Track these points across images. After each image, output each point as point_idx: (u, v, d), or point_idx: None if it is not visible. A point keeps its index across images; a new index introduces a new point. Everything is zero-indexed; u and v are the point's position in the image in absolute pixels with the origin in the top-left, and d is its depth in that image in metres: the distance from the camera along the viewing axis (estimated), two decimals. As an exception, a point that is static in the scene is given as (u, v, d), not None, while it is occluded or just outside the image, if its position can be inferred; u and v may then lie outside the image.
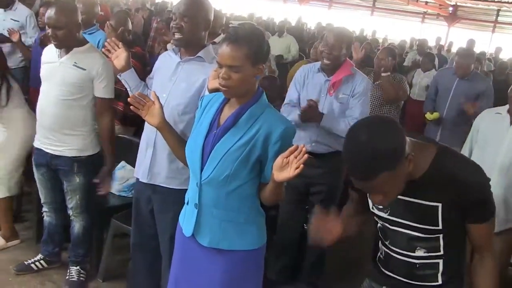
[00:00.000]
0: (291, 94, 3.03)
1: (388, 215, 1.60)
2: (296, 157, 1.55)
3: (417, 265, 1.62)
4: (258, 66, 1.73)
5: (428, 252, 1.59)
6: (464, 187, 1.45)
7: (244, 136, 1.74)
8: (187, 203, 1.90)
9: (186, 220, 1.89)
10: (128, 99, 1.96)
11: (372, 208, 1.65)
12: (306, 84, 2.98)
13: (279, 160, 1.58)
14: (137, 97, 1.97)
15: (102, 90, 2.70)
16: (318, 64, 2.98)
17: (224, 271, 1.82)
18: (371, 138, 1.33)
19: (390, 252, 1.67)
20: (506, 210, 2.68)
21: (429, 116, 4.53)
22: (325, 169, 2.93)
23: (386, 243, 1.67)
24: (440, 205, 1.49)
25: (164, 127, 1.99)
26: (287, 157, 1.57)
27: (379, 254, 1.74)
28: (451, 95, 4.44)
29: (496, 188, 2.69)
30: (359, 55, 4.31)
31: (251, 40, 1.70)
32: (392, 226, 1.61)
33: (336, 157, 2.93)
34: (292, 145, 1.60)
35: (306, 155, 1.54)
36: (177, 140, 2.00)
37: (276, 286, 3.19)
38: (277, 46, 7.87)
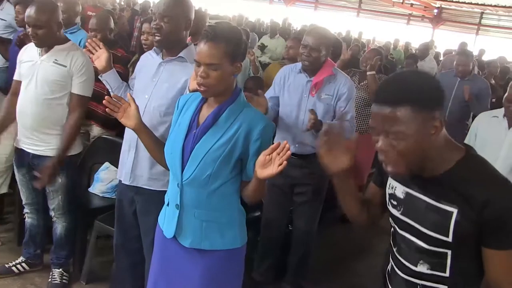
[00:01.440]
0: (268, 93, 3.04)
1: (400, 214, 1.49)
2: (279, 154, 1.55)
3: (418, 286, 1.48)
4: (236, 64, 1.74)
5: (431, 270, 1.44)
6: (487, 198, 1.28)
7: (224, 135, 1.74)
8: (167, 204, 1.89)
9: (167, 222, 1.88)
10: (104, 101, 1.94)
11: (388, 204, 1.56)
12: (288, 85, 2.98)
13: (261, 157, 1.58)
14: (113, 99, 1.95)
15: (78, 85, 2.64)
16: (299, 65, 2.98)
17: (205, 271, 1.82)
18: (412, 73, 1.38)
19: (395, 267, 1.56)
20: None
21: None
22: (309, 170, 2.93)
23: (394, 250, 1.56)
24: (455, 211, 1.33)
25: (141, 129, 1.97)
26: (269, 154, 1.57)
27: (388, 267, 1.64)
28: (453, 95, 4.68)
29: None
30: (346, 56, 4.36)
31: (229, 38, 1.70)
32: (401, 230, 1.51)
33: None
34: (272, 142, 1.61)
35: (289, 152, 1.54)
36: (154, 142, 1.99)
37: (261, 287, 3.19)
38: (268, 46, 7.83)
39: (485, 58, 11.16)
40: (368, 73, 4.07)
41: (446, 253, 1.40)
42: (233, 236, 1.84)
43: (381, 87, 1.35)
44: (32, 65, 2.65)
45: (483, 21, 19.07)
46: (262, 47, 7.64)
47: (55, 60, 2.60)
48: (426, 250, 1.43)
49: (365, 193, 1.70)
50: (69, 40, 2.74)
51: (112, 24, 3.74)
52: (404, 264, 1.51)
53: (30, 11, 2.52)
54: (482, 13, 18.74)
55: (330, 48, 2.93)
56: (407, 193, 1.46)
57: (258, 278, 3.20)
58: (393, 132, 1.28)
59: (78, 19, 3.89)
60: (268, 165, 1.58)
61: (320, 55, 2.84)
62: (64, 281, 2.92)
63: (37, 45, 2.61)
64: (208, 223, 1.81)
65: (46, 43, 2.60)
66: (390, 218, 1.58)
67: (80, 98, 2.66)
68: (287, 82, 2.98)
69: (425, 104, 1.27)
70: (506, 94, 2.78)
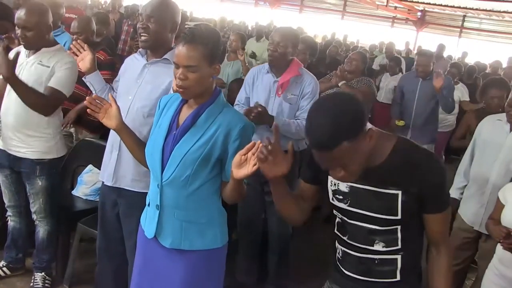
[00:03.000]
0: (240, 95, 3.08)
1: (348, 206, 1.60)
2: (254, 154, 1.55)
3: (376, 261, 1.62)
4: (215, 66, 1.75)
5: (386, 247, 1.60)
6: (420, 175, 1.49)
7: (203, 136, 1.76)
8: (148, 205, 1.90)
9: (148, 222, 1.89)
10: (85, 102, 1.93)
11: (332, 199, 1.64)
12: (256, 85, 3.01)
13: (237, 157, 1.59)
14: (94, 100, 1.94)
15: (54, 79, 2.58)
16: (267, 65, 3.01)
17: (185, 271, 1.83)
18: (332, 108, 1.38)
19: (348, 250, 1.67)
20: None
21: (398, 123, 4.77)
22: None
23: (345, 238, 1.67)
24: (399, 192, 1.51)
25: (122, 130, 1.97)
26: (245, 154, 1.57)
27: (337, 254, 1.75)
28: (416, 97, 4.63)
29: (494, 192, 2.77)
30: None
31: (207, 40, 1.72)
32: (351, 219, 1.61)
33: None
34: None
35: None
36: (136, 143, 1.99)
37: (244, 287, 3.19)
38: (253, 50, 7.74)
39: (468, 60, 11.34)
40: (339, 84, 4.07)
41: (397, 228, 1.58)
42: (213, 236, 1.85)
43: (310, 134, 1.40)
44: (18, 66, 2.63)
45: (466, 24, 19.31)
46: (253, 56, 7.55)
47: (40, 61, 2.60)
48: (379, 230, 1.58)
49: (296, 191, 1.79)
50: (58, 43, 2.74)
51: (94, 27, 3.72)
52: (360, 247, 1.63)
53: (20, 13, 2.53)
54: (464, 16, 18.98)
55: (297, 46, 2.97)
56: (351, 187, 1.58)
57: (242, 279, 3.20)
58: (341, 164, 1.42)
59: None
60: (244, 165, 1.58)
61: (286, 52, 2.88)
62: (46, 285, 2.90)
63: (26, 47, 2.62)
64: (188, 224, 1.82)
65: (35, 45, 2.61)
66: (334, 211, 1.67)
67: (53, 90, 2.56)
68: (256, 82, 3.02)
69: (356, 131, 1.37)
70: (507, 100, 2.83)
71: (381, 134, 1.53)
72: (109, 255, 2.47)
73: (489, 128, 2.93)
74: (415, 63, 4.94)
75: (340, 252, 1.71)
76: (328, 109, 1.39)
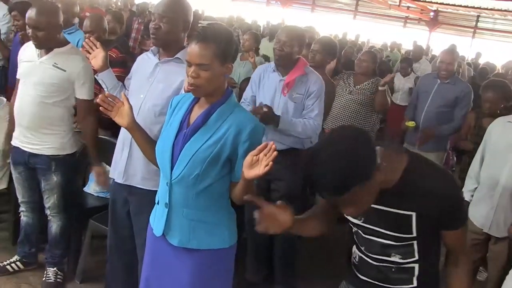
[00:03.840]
0: (246, 93, 3.08)
1: (363, 222, 1.60)
2: (265, 155, 1.56)
3: (393, 269, 1.62)
4: (227, 65, 1.76)
5: (403, 258, 1.60)
6: (435, 197, 1.46)
7: (213, 135, 1.76)
8: (158, 203, 1.92)
9: (157, 220, 1.90)
10: (97, 100, 1.95)
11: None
12: (263, 84, 3.01)
13: (248, 158, 1.59)
14: (106, 98, 1.96)
15: (84, 92, 2.69)
16: (273, 63, 3.01)
17: (193, 270, 1.84)
18: (339, 154, 1.30)
19: (365, 257, 1.67)
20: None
21: (408, 123, 4.47)
22: (281, 165, 2.78)
23: (362, 248, 1.67)
24: (414, 214, 1.49)
25: (134, 128, 1.98)
26: (256, 155, 1.58)
27: (352, 258, 1.74)
28: (430, 98, 4.37)
29: (504, 195, 2.75)
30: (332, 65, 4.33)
31: (219, 39, 1.72)
32: (366, 234, 1.62)
33: (291, 153, 2.93)
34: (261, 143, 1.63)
35: (275, 153, 1.56)
36: (147, 141, 2.00)
37: (253, 287, 3.20)
38: (266, 50, 7.70)
39: (481, 61, 11.25)
40: (380, 88, 3.94)
41: (413, 243, 1.57)
42: (221, 236, 1.86)
43: (318, 179, 1.33)
44: (31, 65, 2.67)
45: (479, 24, 19.13)
46: (266, 58, 7.48)
47: (55, 63, 2.62)
48: (394, 245, 1.58)
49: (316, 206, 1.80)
50: (69, 42, 2.76)
51: (105, 25, 3.75)
52: (377, 258, 1.63)
53: (31, 12, 2.55)
54: (478, 16, 18.81)
55: (303, 46, 2.97)
56: None
57: (250, 278, 3.21)
58: (351, 204, 1.39)
59: (76, 20, 3.91)
60: (255, 166, 1.59)
61: (292, 51, 2.88)
62: (58, 280, 2.93)
63: (37, 47, 2.64)
64: (196, 223, 1.83)
65: (46, 45, 2.63)
66: (350, 224, 1.67)
67: (88, 103, 2.72)
68: (262, 81, 3.02)
69: (367, 175, 1.32)
70: None
71: (391, 156, 1.47)
72: (120, 252, 2.49)
73: (499, 130, 2.89)
74: (438, 60, 4.71)
75: (357, 257, 1.71)
76: (337, 153, 1.31)
